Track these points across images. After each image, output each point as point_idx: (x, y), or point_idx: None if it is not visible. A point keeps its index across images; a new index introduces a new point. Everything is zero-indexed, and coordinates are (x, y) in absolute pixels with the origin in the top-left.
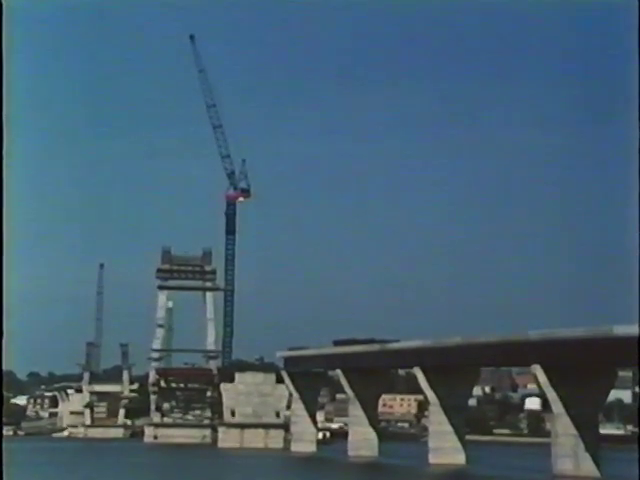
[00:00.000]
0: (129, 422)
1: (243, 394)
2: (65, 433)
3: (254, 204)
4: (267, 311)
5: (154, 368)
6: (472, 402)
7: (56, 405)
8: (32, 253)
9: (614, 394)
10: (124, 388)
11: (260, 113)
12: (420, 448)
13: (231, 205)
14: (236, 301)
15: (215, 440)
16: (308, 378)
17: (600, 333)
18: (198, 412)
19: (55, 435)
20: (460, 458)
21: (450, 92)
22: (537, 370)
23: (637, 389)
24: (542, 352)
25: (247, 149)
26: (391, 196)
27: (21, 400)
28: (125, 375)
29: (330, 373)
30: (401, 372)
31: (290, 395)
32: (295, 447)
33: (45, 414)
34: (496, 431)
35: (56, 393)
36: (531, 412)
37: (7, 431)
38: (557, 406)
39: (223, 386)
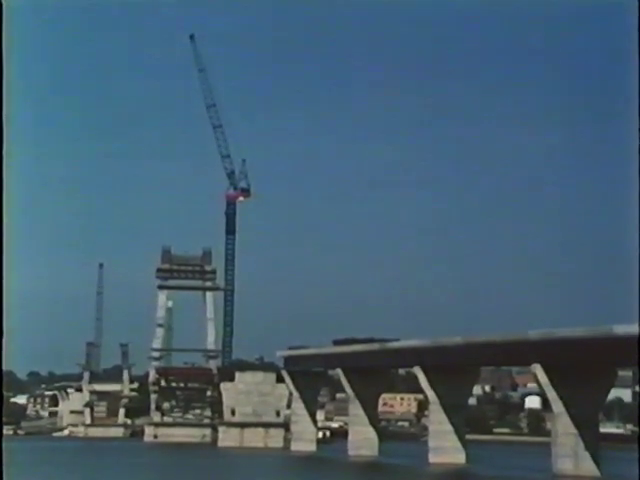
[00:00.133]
0: (129, 421)
1: (243, 393)
2: (65, 432)
3: (254, 204)
4: (267, 311)
5: (154, 367)
6: (472, 401)
7: (56, 404)
8: (32, 253)
9: (614, 393)
10: (124, 387)
11: (260, 113)
12: (420, 447)
13: (231, 205)
14: (236, 301)
15: (215, 439)
16: (308, 377)
17: (600, 333)
18: (198, 411)
19: (55, 434)
20: (460, 457)
21: (450, 92)
22: (537, 370)
23: (637, 388)
24: (542, 352)
25: (247, 149)
26: (391, 196)
27: (21, 399)
28: (125, 374)
29: (330, 372)
30: (401, 371)
31: (290, 394)
32: (295, 446)
33: (45, 413)
34: (496, 430)
35: (56, 392)
36: (531, 411)
37: (7, 430)
38: (557, 405)
39: (223, 385)
